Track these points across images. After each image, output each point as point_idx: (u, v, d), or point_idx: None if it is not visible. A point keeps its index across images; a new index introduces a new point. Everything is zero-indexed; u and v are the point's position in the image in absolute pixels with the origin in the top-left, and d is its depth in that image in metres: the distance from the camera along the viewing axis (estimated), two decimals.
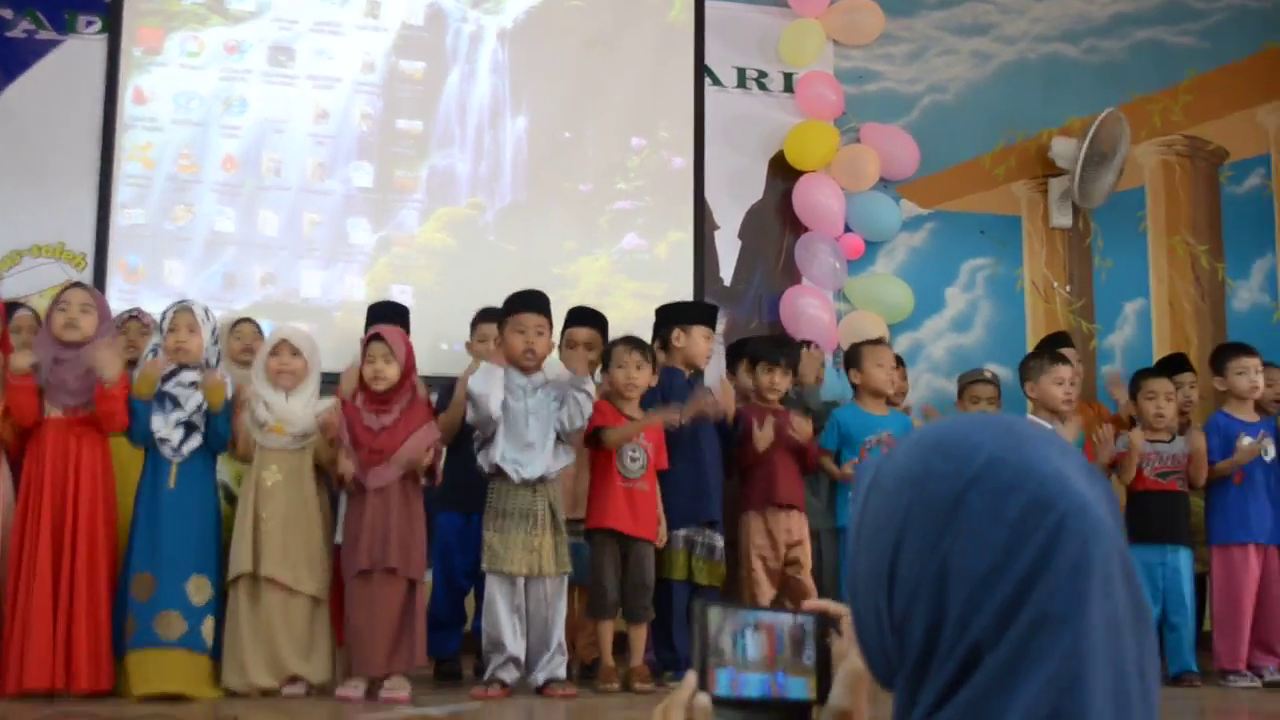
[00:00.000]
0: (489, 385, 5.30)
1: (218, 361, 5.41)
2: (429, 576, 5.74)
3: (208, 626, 5.10)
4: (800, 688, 1.42)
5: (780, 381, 6.14)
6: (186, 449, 5.17)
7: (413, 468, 5.23)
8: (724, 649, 1.36)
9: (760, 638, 1.39)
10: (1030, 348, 7.61)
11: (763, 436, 5.88)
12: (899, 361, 7.14)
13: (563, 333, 5.96)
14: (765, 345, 6.50)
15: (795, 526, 5.96)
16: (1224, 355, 6.73)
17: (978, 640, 1.06)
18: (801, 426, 6.00)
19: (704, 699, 1.32)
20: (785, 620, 1.43)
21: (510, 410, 5.39)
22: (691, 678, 1.34)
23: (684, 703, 1.32)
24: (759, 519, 5.96)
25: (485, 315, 6.13)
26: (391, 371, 5.28)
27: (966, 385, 7.01)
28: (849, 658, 1.43)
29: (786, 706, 1.41)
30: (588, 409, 5.44)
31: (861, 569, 1.19)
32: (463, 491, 5.63)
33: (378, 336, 5.37)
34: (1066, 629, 1.05)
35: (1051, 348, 7.08)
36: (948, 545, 1.10)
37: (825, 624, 1.46)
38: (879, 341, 6.56)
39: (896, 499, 1.15)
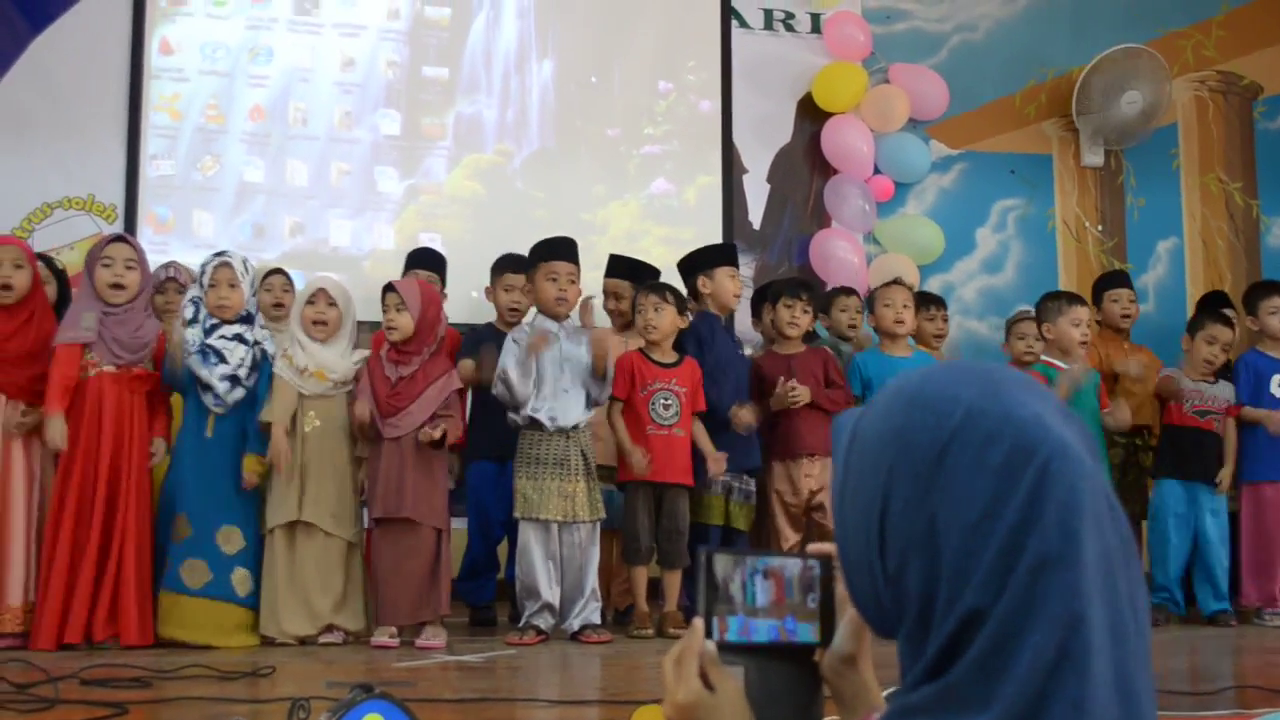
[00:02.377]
0: (519, 367, 5.31)
1: (257, 312, 5.43)
2: (464, 525, 5.78)
3: (238, 576, 5.14)
4: (809, 632, 1.44)
5: (801, 318, 6.04)
6: (231, 399, 5.21)
7: (424, 440, 5.18)
8: (734, 596, 1.38)
9: (769, 585, 1.41)
10: (1066, 287, 7.55)
11: (776, 399, 5.87)
12: (938, 303, 7.06)
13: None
14: (784, 281, 6.49)
15: (819, 472, 5.92)
16: (1257, 294, 6.68)
17: (978, 600, 1.08)
18: (797, 392, 5.85)
19: (710, 646, 1.35)
20: (794, 565, 1.44)
21: (542, 358, 5.40)
22: (699, 625, 1.35)
23: (695, 650, 1.35)
24: (782, 466, 5.96)
25: (505, 263, 6.10)
26: (403, 321, 5.24)
27: (1013, 324, 6.84)
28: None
29: (792, 650, 1.43)
30: (609, 389, 5.46)
31: (850, 525, 1.21)
32: (495, 440, 5.64)
33: (390, 287, 5.36)
34: (1065, 569, 1.06)
35: (1108, 287, 7.04)
36: (936, 500, 1.11)
37: (831, 567, 1.47)
38: (892, 283, 6.43)
39: (879, 455, 1.16)
